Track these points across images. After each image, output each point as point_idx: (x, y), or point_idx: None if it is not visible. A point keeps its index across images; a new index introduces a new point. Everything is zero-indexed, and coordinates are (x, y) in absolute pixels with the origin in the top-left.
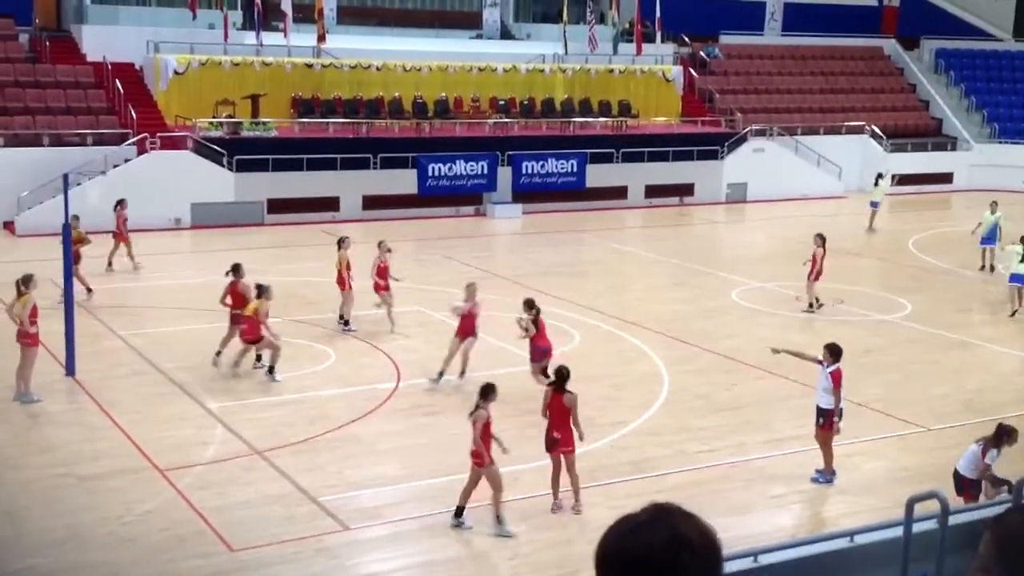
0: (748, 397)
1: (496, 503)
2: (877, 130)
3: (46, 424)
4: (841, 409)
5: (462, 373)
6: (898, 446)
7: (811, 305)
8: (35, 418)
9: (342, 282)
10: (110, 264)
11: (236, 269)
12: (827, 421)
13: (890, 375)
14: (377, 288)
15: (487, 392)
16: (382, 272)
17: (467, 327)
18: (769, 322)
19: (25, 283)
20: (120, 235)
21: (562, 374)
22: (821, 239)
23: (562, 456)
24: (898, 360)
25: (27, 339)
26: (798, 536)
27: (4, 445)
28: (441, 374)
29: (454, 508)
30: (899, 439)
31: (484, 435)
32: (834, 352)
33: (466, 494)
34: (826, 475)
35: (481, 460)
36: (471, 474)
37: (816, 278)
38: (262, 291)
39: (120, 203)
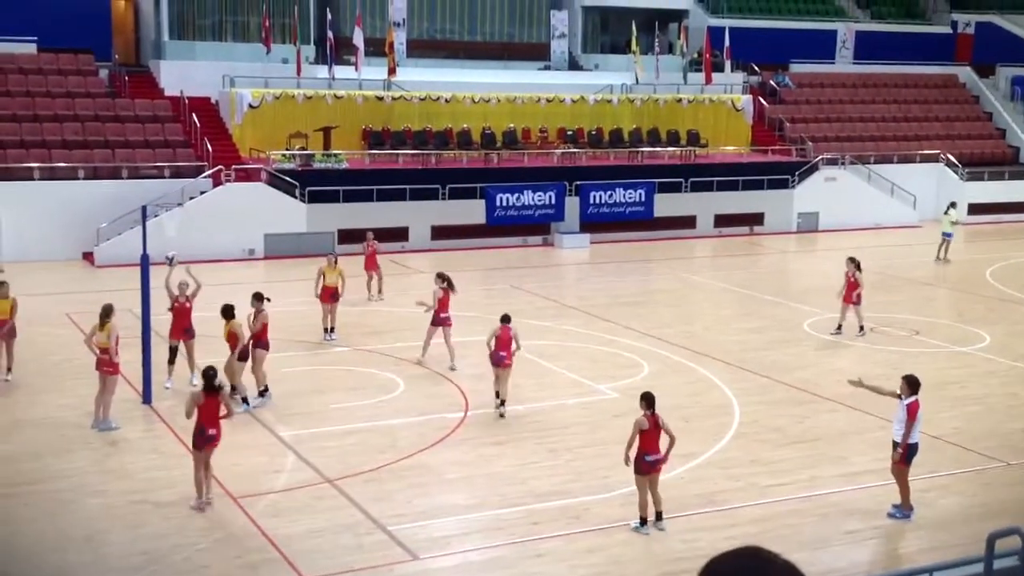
0: (822, 430)
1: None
2: (952, 158)
3: (124, 451)
4: (915, 444)
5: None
6: (977, 481)
7: (844, 327)
8: (114, 445)
9: (335, 296)
10: (378, 292)
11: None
12: (901, 454)
13: (968, 408)
14: (443, 322)
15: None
16: (443, 304)
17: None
18: (843, 353)
19: (107, 313)
20: (369, 265)
21: (209, 374)
22: (855, 263)
23: (208, 451)
24: (976, 393)
25: (108, 367)
26: (874, 573)
27: (84, 472)
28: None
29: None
30: (977, 474)
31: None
32: (912, 384)
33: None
34: (903, 510)
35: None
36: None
37: (856, 301)
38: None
39: (366, 233)
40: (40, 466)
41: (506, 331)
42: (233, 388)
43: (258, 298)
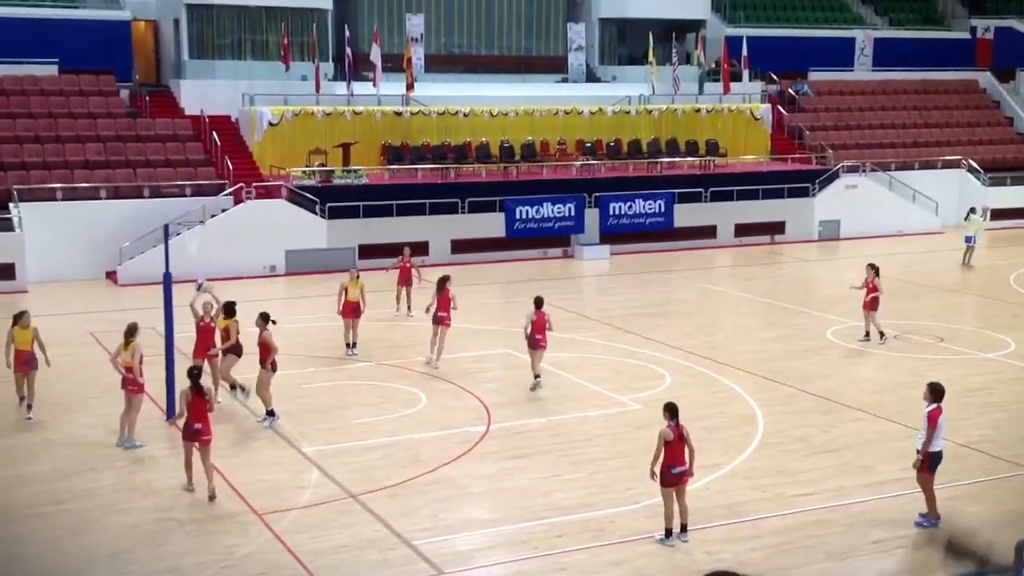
0: (847, 439)
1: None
2: (974, 164)
3: (149, 469)
4: (939, 452)
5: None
6: (1004, 488)
7: (872, 335)
8: (139, 463)
9: (357, 311)
10: (407, 308)
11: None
12: (923, 462)
13: (995, 415)
14: (442, 321)
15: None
16: (444, 305)
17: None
18: (867, 362)
19: (131, 332)
20: (403, 280)
21: (195, 374)
22: (874, 269)
23: (198, 444)
24: (1003, 399)
25: (133, 386)
26: None
27: (109, 490)
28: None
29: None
30: (1005, 481)
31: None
32: (935, 391)
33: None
34: (930, 519)
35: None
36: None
37: (872, 307)
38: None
39: (403, 249)
40: (65, 485)
41: (541, 316)
42: (237, 387)
43: (264, 318)
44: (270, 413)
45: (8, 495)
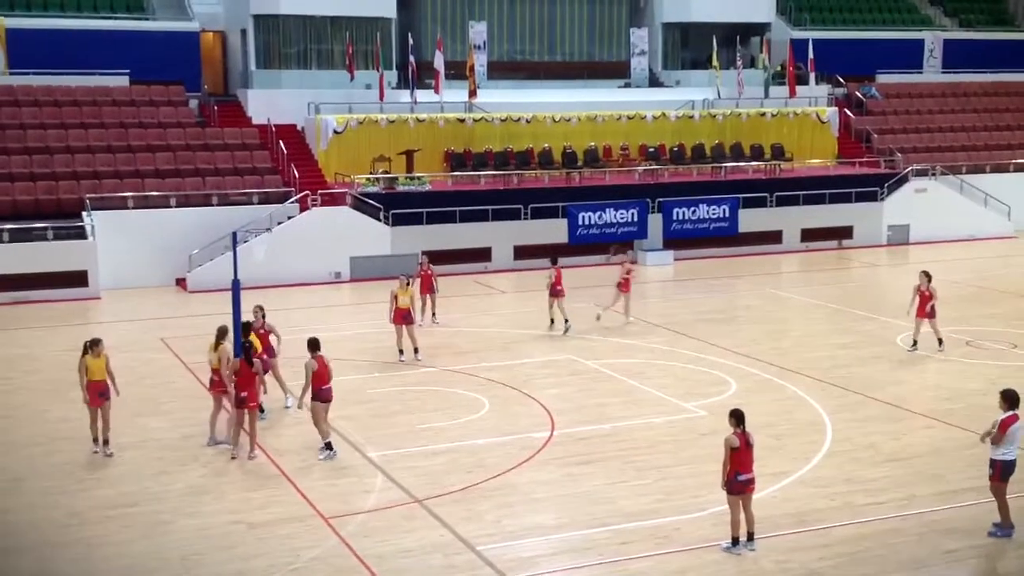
0: (918, 447)
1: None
2: None
3: (220, 473)
4: (1012, 460)
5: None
6: None
7: (940, 341)
8: (208, 466)
9: (408, 318)
10: (431, 315)
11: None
12: (995, 471)
13: None
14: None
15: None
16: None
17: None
18: (937, 368)
19: (222, 336)
20: (426, 288)
21: (247, 347)
22: (927, 276)
23: (247, 411)
24: None
25: (220, 388)
26: None
27: (180, 492)
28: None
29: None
30: None
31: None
32: (1008, 398)
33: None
34: (1004, 528)
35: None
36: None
37: (931, 315)
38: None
39: (420, 257)
40: (138, 488)
41: (559, 271)
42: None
43: (315, 346)
44: (327, 446)
45: (81, 498)
